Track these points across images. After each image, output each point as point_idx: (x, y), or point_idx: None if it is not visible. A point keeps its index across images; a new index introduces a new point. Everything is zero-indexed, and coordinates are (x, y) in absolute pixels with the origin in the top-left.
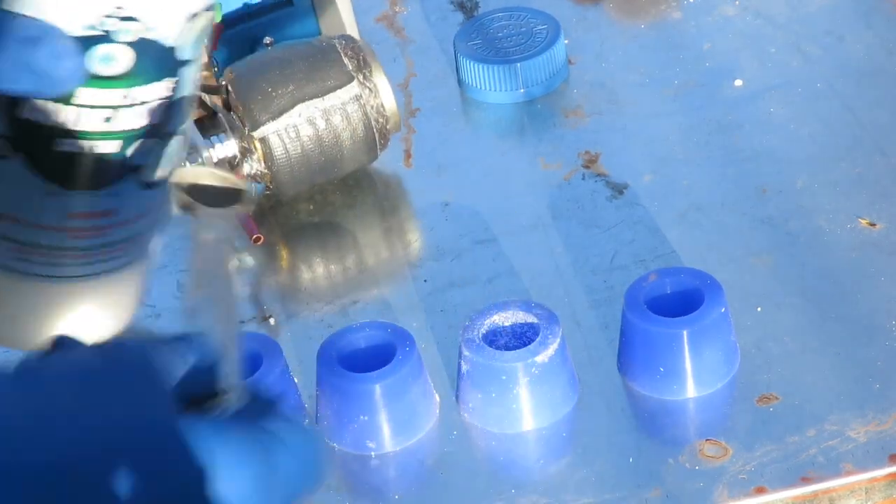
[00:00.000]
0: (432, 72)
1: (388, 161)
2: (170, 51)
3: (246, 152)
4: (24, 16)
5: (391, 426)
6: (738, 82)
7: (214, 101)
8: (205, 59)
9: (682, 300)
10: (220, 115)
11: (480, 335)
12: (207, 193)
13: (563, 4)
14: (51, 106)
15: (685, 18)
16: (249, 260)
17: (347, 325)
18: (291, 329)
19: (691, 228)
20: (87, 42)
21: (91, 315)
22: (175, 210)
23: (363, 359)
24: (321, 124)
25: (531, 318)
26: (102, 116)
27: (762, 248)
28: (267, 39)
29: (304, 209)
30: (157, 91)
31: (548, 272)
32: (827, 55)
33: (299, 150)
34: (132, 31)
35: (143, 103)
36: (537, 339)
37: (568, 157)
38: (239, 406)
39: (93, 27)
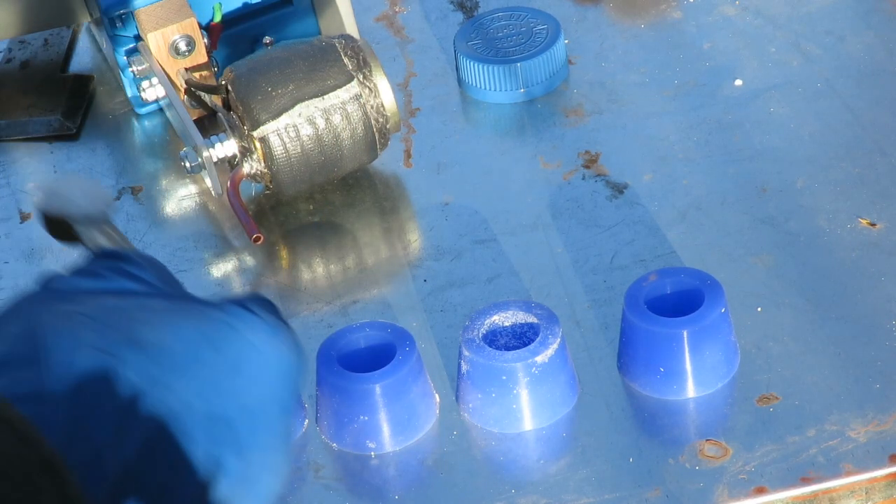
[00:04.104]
0: (432, 71)
1: (388, 161)
2: None
3: (246, 152)
4: None
5: (391, 426)
6: (738, 82)
7: (214, 101)
8: (205, 58)
9: (682, 300)
10: (220, 115)
11: (480, 335)
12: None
13: (563, 4)
14: None
15: (685, 18)
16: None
17: (347, 325)
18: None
19: (691, 228)
20: None
21: None
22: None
23: (363, 359)
24: (321, 124)
25: (531, 318)
26: None
27: (762, 248)
28: (267, 39)
29: (304, 209)
30: None
31: (548, 272)
32: (827, 55)
33: (299, 150)
34: None
35: None
36: (537, 339)
37: (568, 157)
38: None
39: None
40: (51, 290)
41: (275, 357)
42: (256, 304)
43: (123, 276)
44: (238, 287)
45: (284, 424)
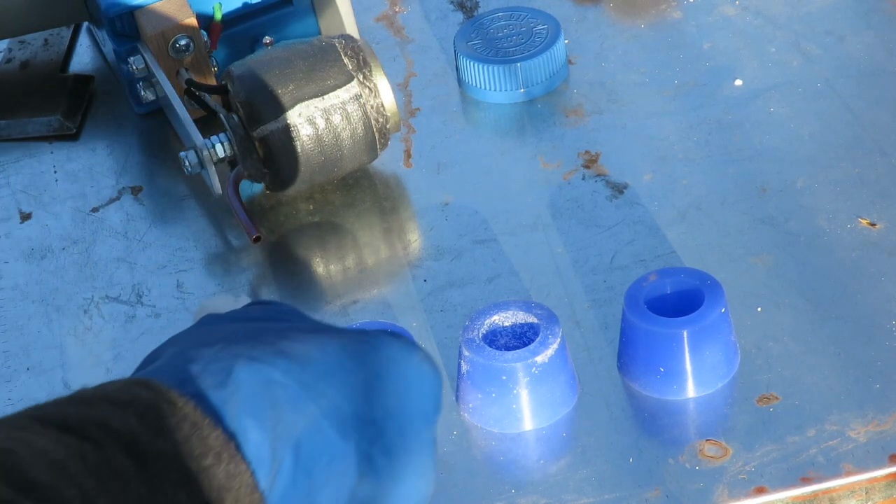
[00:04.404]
0: (432, 71)
1: (388, 161)
2: None
3: (246, 152)
4: None
5: None
6: (738, 82)
7: (214, 100)
8: (205, 59)
9: (682, 300)
10: (220, 115)
11: (480, 335)
12: None
13: (563, 4)
14: None
15: (685, 18)
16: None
17: (347, 325)
18: None
19: (691, 228)
20: None
21: None
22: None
23: None
24: (321, 124)
25: (531, 318)
26: None
27: (762, 248)
28: (267, 39)
29: (304, 209)
30: None
31: (548, 272)
32: (827, 55)
33: (299, 150)
34: None
35: None
36: (537, 339)
37: (568, 157)
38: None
39: None
40: (203, 322)
41: (414, 371)
42: (392, 332)
43: (270, 311)
44: (238, 287)
45: (429, 432)
